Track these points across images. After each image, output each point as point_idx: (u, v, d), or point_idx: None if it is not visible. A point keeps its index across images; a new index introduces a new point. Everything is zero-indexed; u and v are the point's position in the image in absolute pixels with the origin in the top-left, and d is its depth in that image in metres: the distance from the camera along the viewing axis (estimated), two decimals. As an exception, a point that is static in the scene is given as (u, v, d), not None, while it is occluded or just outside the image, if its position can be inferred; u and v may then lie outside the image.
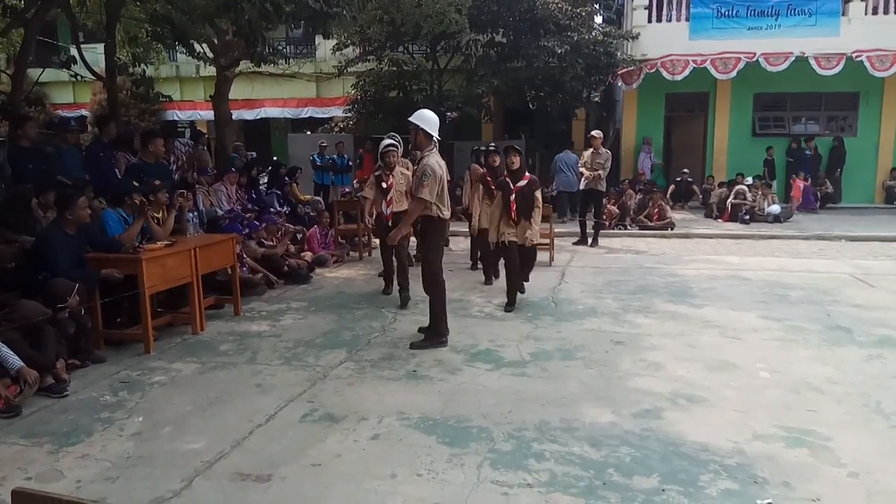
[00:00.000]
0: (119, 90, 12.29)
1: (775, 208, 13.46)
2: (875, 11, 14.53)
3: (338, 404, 4.37)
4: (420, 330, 5.80)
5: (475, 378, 4.83)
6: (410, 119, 5.56)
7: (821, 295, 7.21)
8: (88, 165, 7.30)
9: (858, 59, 14.02)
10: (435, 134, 5.51)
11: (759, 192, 13.65)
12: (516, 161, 6.74)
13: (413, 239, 7.98)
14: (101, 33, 10.73)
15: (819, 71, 14.24)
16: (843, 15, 14.52)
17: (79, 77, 11.07)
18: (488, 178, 7.42)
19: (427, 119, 5.51)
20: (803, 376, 4.77)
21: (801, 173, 14.83)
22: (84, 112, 19.26)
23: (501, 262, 7.70)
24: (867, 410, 4.20)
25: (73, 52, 10.80)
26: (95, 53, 11.89)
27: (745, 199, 13.61)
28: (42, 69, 12.86)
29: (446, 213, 5.61)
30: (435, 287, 5.60)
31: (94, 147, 7.87)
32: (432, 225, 5.56)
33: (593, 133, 10.94)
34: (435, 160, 5.49)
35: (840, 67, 14.10)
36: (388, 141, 7.62)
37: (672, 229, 12.62)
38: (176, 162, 8.83)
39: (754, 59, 14.34)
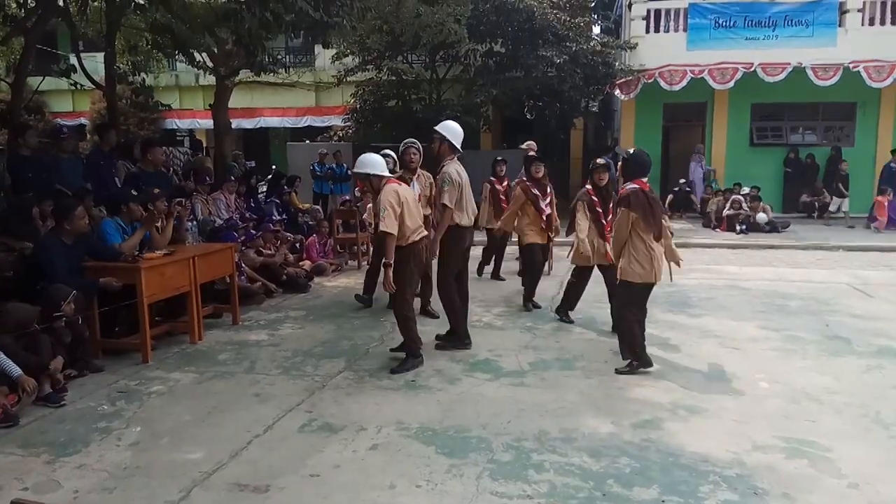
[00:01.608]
0: (118, 99, 12.31)
1: (762, 216, 13.49)
2: (872, 22, 14.60)
3: (336, 414, 4.36)
4: (437, 337, 5.90)
5: (474, 388, 4.82)
6: (436, 128, 5.68)
7: (819, 305, 7.22)
8: (88, 174, 7.30)
9: (855, 69, 14.08)
10: (458, 145, 5.66)
11: (750, 204, 13.68)
12: (605, 177, 6.43)
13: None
14: (101, 42, 10.76)
15: (816, 81, 14.29)
16: (840, 26, 14.58)
17: (78, 86, 11.09)
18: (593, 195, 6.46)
19: (452, 130, 5.66)
20: (802, 386, 4.77)
21: (889, 190, 13.86)
22: (83, 120, 19.30)
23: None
24: (866, 421, 4.20)
25: (73, 60, 10.82)
26: (95, 62, 11.91)
27: (741, 208, 13.65)
28: (42, 77, 12.89)
29: (465, 221, 5.69)
30: (444, 294, 5.71)
31: (93, 155, 7.87)
32: (450, 231, 5.61)
33: (523, 147, 10.42)
34: (454, 168, 5.63)
35: (837, 78, 14.15)
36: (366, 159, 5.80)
37: (670, 238, 12.61)
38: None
39: (752, 70, 14.39)
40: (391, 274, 4.97)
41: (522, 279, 7.70)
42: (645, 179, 5.16)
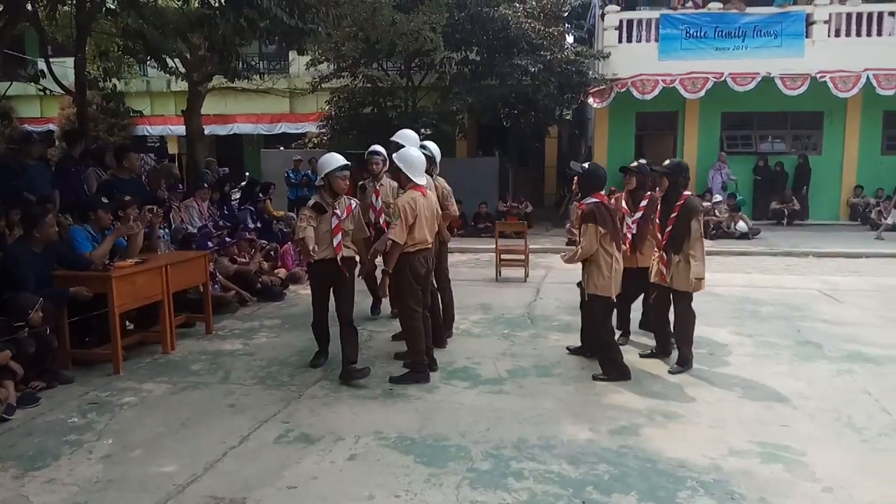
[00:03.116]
0: (88, 105, 12.11)
1: (742, 226, 13.72)
2: (838, 34, 14.95)
3: (313, 424, 4.31)
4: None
5: (452, 396, 4.80)
6: (395, 158, 5.12)
7: (791, 311, 7.33)
8: (58, 181, 7.15)
9: (822, 79, 14.41)
10: (416, 180, 5.07)
11: (728, 213, 13.87)
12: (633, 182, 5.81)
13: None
14: (70, 47, 10.58)
15: (785, 91, 14.59)
16: (808, 37, 14.91)
17: (47, 91, 10.89)
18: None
19: (412, 163, 5.08)
20: (776, 392, 4.83)
21: None
22: (52, 126, 18.95)
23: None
24: (839, 425, 4.27)
25: (42, 65, 10.63)
26: (64, 67, 11.72)
27: (712, 215, 13.86)
28: (9, 83, 12.62)
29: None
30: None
31: (64, 162, 7.72)
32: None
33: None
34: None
35: (805, 88, 14.47)
36: (339, 161, 5.35)
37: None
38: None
39: (722, 79, 14.66)
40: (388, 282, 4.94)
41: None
42: (603, 192, 5.17)
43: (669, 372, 5.27)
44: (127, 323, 6.12)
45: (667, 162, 5.45)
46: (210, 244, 7.84)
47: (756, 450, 3.88)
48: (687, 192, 5.27)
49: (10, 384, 4.50)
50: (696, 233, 5.15)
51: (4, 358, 4.57)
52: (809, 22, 14.95)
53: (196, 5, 9.20)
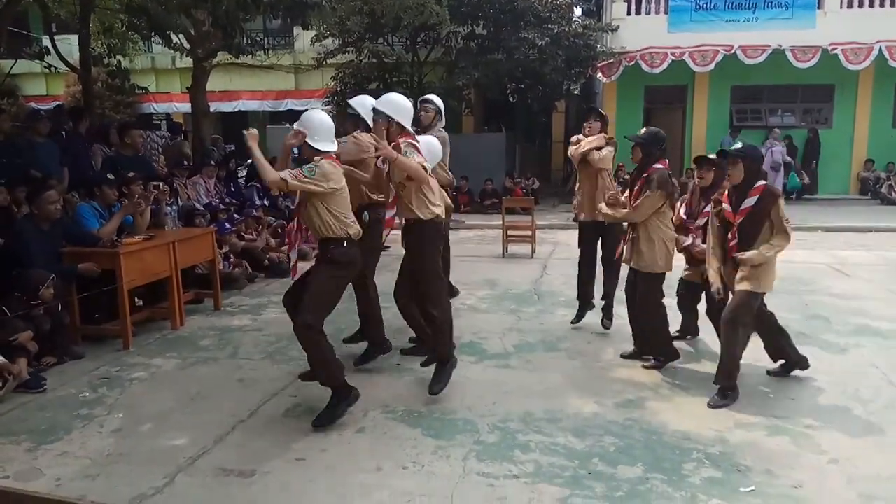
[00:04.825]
0: (93, 82, 12.07)
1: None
2: (850, 5, 14.71)
3: (322, 398, 4.30)
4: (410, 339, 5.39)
5: (459, 370, 4.78)
6: (379, 105, 4.37)
7: (799, 285, 7.30)
8: (67, 158, 7.15)
9: (834, 52, 14.20)
10: (407, 125, 4.41)
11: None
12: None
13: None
14: (74, 24, 10.53)
15: (795, 64, 14.40)
16: (819, 8, 14.69)
17: (52, 68, 10.86)
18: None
19: (400, 108, 4.36)
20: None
21: None
22: (58, 104, 18.92)
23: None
24: (846, 398, 4.27)
25: (46, 42, 10.59)
26: (69, 44, 11.65)
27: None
28: (14, 60, 12.59)
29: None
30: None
31: (73, 139, 7.71)
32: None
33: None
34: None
35: (816, 60, 14.27)
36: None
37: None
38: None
39: (732, 52, 14.47)
40: None
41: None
42: None
43: (643, 366, 4.84)
44: (136, 299, 6.16)
45: (643, 130, 4.85)
46: (228, 226, 7.88)
47: (762, 422, 3.89)
48: (658, 165, 4.65)
49: (23, 361, 4.54)
50: (650, 210, 4.59)
51: (27, 339, 4.64)
52: (821, -8, 14.71)
53: (199, -20, 9.12)
